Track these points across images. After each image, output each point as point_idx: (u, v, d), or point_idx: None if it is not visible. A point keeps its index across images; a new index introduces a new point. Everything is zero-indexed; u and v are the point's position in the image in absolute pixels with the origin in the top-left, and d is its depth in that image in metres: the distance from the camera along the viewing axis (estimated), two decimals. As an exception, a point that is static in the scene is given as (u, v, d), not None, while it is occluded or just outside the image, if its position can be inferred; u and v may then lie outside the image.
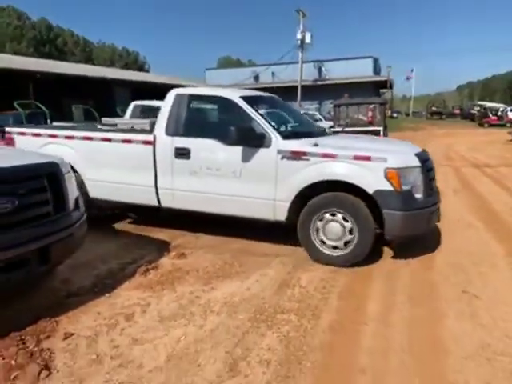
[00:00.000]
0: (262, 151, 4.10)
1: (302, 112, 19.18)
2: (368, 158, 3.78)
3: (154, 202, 4.69)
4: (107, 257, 4.16)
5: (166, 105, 4.59)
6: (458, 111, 52.82)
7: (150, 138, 4.57)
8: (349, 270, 3.83)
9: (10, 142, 5.34)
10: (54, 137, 5.10)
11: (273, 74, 31.32)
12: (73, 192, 3.30)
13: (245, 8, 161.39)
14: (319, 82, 30.35)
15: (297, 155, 3.97)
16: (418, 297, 3.29)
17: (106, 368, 2.38)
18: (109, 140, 4.80)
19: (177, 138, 4.44)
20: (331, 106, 15.56)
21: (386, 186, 3.69)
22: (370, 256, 4.13)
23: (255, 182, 4.17)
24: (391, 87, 37.06)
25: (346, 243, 3.86)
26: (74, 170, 4.85)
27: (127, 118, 8.37)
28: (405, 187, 3.73)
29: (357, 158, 3.80)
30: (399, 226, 3.75)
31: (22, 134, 5.33)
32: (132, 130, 5.11)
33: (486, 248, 4.47)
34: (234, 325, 2.86)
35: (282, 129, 4.54)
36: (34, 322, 2.79)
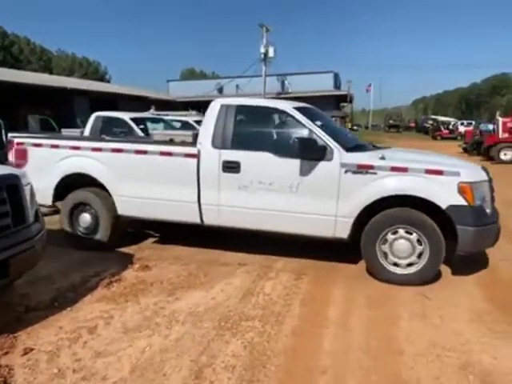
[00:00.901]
0: (323, 164, 3.86)
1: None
2: (440, 172, 3.64)
3: (196, 219, 4.36)
4: (68, 270, 4.07)
5: (210, 116, 4.31)
6: (413, 124, 55.55)
7: (193, 150, 4.25)
8: (311, 277, 3.96)
9: (20, 155, 4.82)
10: (77, 149, 4.69)
11: (237, 86, 31.61)
12: (33, 204, 3.24)
13: (209, 21, 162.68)
14: (282, 95, 30.97)
15: (363, 169, 3.76)
16: (375, 301, 3.46)
17: (68, 382, 2.35)
18: (144, 152, 4.42)
19: (225, 151, 4.14)
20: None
21: (460, 201, 3.57)
22: (332, 263, 4.30)
23: (314, 196, 3.92)
24: (351, 101, 38.44)
25: (416, 261, 3.72)
26: (101, 185, 4.63)
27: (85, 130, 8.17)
28: (477, 202, 3.63)
29: (428, 171, 3.65)
30: (473, 242, 3.63)
31: (38, 145, 4.84)
32: (171, 142, 4.78)
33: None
34: (199, 333, 2.90)
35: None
36: (-9, 339, 2.70)
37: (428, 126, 46.00)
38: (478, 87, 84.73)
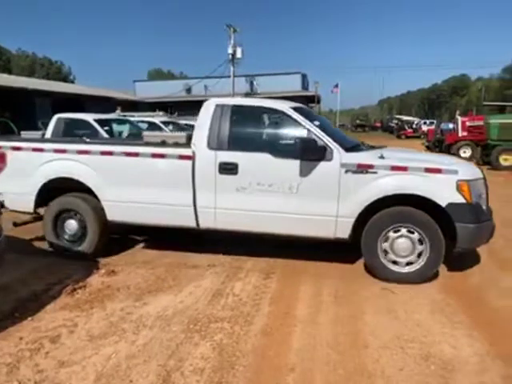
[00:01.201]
0: (323, 165, 3.82)
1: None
2: (439, 171, 3.67)
3: (191, 223, 4.23)
4: (30, 278, 3.92)
5: (204, 116, 4.19)
6: (378, 124, 57.11)
7: (188, 152, 4.12)
8: (280, 276, 3.99)
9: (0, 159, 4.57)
10: (63, 152, 4.43)
11: (205, 86, 31.42)
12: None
13: (176, 20, 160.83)
14: (251, 96, 31.08)
15: (363, 168, 3.75)
16: (342, 297, 3.53)
17: (29, 394, 2.26)
18: (136, 155, 4.25)
19: (221, 152, 4.03)
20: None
21: (459, 199, 3.61)
22: (300, 261, 4.36)
23: (314, 197, 3.88)
24: (319, 102, 39.05)
25: (417, 259, 3.76)
26: (88, 190, 4.40)
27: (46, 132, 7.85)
28: (474, 199, 3.68)
29: (428, 170, 3.68)
30: (471, 239, 3.70)
31: (18, 148, 4.58)
32: (163, 144, 4.56)
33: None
34: (168, 337, 2.86)
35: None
36: None
37: (393, 125, 47.33)
38: (439, 88, 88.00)
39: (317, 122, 4.13)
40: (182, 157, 4.13)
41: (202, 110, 4.25)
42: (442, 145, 18.57)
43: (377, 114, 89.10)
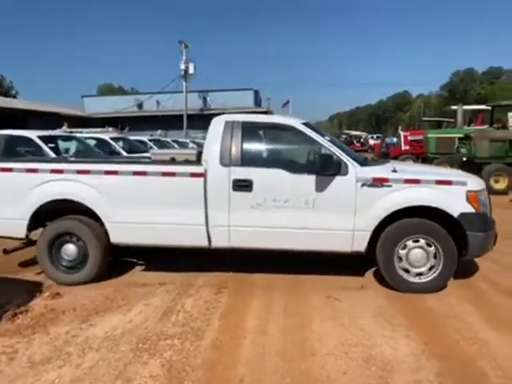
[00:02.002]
0: (338, 179, 3.87)
1: (189, 140, 19.40)
2: (450, 183, 3.84)
3: (203, 243, 4.12)
4: (-36, 306, 3.68)
5: (214, 133, 4.13)
6: (329, 139, 59.02)
7: (199, 169, 4.03)
8: (231, 290, 4.04)
9: None
10: (59, 172, 4.19)
11: (157, 102, 31.14)
12: None
13: (127, 35, 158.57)
14: (205, 112, 31.16)
15: (379, 182, 3.84)
16: (291, 308, 3.63)
17: (-38, 428, 2.14)
18: (143, 174, 4.10)
19: (235, 169, 3.97)
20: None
21: (469, 209, 3.77)
22: (251, 274, 4.43)
23: (331, 212, 3.91)
24: (271, 117, 39.88)
25: (431, 269, 3.86)
26: (90, 212, 4.13)
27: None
28: (482, 209, 3.86)
29: (439, 182, 3.83)
30: (481, 247, 3.86)
31: (8, 170, 4.27)
32: (172, 162, 4.46)
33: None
34: (116, 358, 2.81)
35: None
36: None
37: (342, 140, 49.35)
38: (384, 104, 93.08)
39: (328, 138, 4.25)
40: (193, 174, 4.04)
41: (211, 126, 4.22)
42: (387, 158, 19.61)
43: (327, 129, 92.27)
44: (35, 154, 7.43)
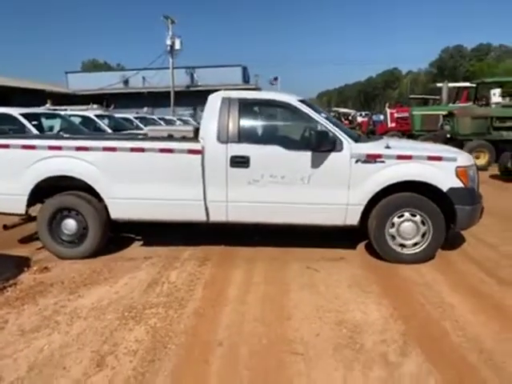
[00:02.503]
0: (334, 155, 3.99)
1: (175, 118, 19.21)
2: (440, 158, 3.98)
3: (201, 217, 4.24)
4: (-48, 280, 3.78)
5: (211, 110, 4.19)
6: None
7: (197, 146, 4.10)
8: (215, 262, 4.20)
9: None
10: (58, 149, 4.23)
11: (143, 78, 30.61)
12: None
13: (113, 9, 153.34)
14: (192, 88, 30.74)
15: (372, 158, 3.96)
16: (270, 277, 3.82)
17: (-43, 389, 2.28)
18: (141, 150, 4.15)
19: (232, 146, 4.06)
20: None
21: (458, 184, 3.94)
22: (234, 247, 4.59)
23: (326, 187, 4.04)
24: (260, 94, 39.54)
25: (420, 241, 4.05)
26: (90, 188, 4.19)
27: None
28: (470, 183, 4.03)
29: (430, 158, 3.97)
30: (468, 219, 4.05)
31: (4, 146, 4.29)
32: (170, 139, 4.52)
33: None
34: (102, 325, 2.96)
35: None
36: None
37: (331, 117, 49.26)
38: (373, 81, 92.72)
39: (323, 115, 4.32)
40: (191, 151, 4.10)
41: (208, 103, 4.26)
42: (373, 135, 19.77)
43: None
44: (18, 131, 7.38)
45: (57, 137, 5.72)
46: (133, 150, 4.19)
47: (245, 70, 33.72)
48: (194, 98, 29.93)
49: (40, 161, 4.24)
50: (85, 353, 2.62)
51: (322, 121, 4.13)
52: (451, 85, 16.68)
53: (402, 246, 4.11)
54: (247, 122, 4.27)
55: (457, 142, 10.83)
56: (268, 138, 4.30)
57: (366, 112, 39.63)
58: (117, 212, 4.32)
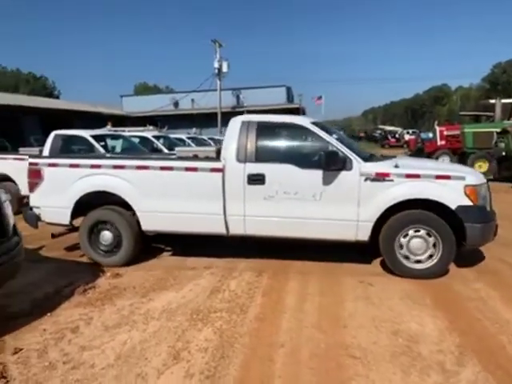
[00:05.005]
0: (344, 174, 4.21)
1: (222, 138, 19.94)
2: (448, 177, 4.12)
3: (221, 230, 4.60)
4: (40, 282, 4.29)
5: (231, 132, 4.59)
6: (362, 134, 58.33)
7: (218, 165, 4.50)
8: (271, 274, 4.44)
9: (35, 175, 4.94)
10: (97, 167, 4.79)
11: (192, 100, 31.99)
12: (12, 219, 3.50)
13: (161, 34, 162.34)
14: (238, 109, 31.70)
15: (381, 176, 4.16)
16: (325, 289, 4.00)
17: (60, 371, 2.67)
18: (170, 169, 4.61)
19: (249, 165, 4.41)
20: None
21: (466, 202, 4.06)
22: (287, 261, 4.81)
23: (336, 204, 4.26)
24: (304, 113, 40.00)
25: (430, 257, 4.17)
26: (121, 202, 4.76)
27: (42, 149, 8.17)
28: (480, 202, 4.14)
29: (438, 177, 4.12)
30: (479, 237, 4.11)
31: (54, 165, 4.94)
32: (195, 158, 5.00)
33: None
34: (174, 325, 3.29)
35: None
36: (-20, 343, 2.93)
37: (377, 135, 48.57)
38: (420, 98, 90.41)
39: (335, 136, 4.61)
40: (213, 169, 4.50)
41: (230, 126, 4.68)
42: (422, 153, 19.33)
43: (361, 125, 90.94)
44: (88, 151, 8.14)
45: (97, 156, 6.40)
46: (162, 168, 4.65)
47: (289, 89, 34.30)
48: (240, 118, 30.88)
49: (83, 178, 4.80)
50: (162, 347, 2.94)
51: (332, 141, 4.37)
52: (505, 101, 16.07)
53: (409, 259, 4.20)
54: (263, 143, 4.56)
55: (512, 160, 10.47)
56: (282, 157, 4.52)
57: (414, 130, 38.81)
58: (147, 224, 4.76)
